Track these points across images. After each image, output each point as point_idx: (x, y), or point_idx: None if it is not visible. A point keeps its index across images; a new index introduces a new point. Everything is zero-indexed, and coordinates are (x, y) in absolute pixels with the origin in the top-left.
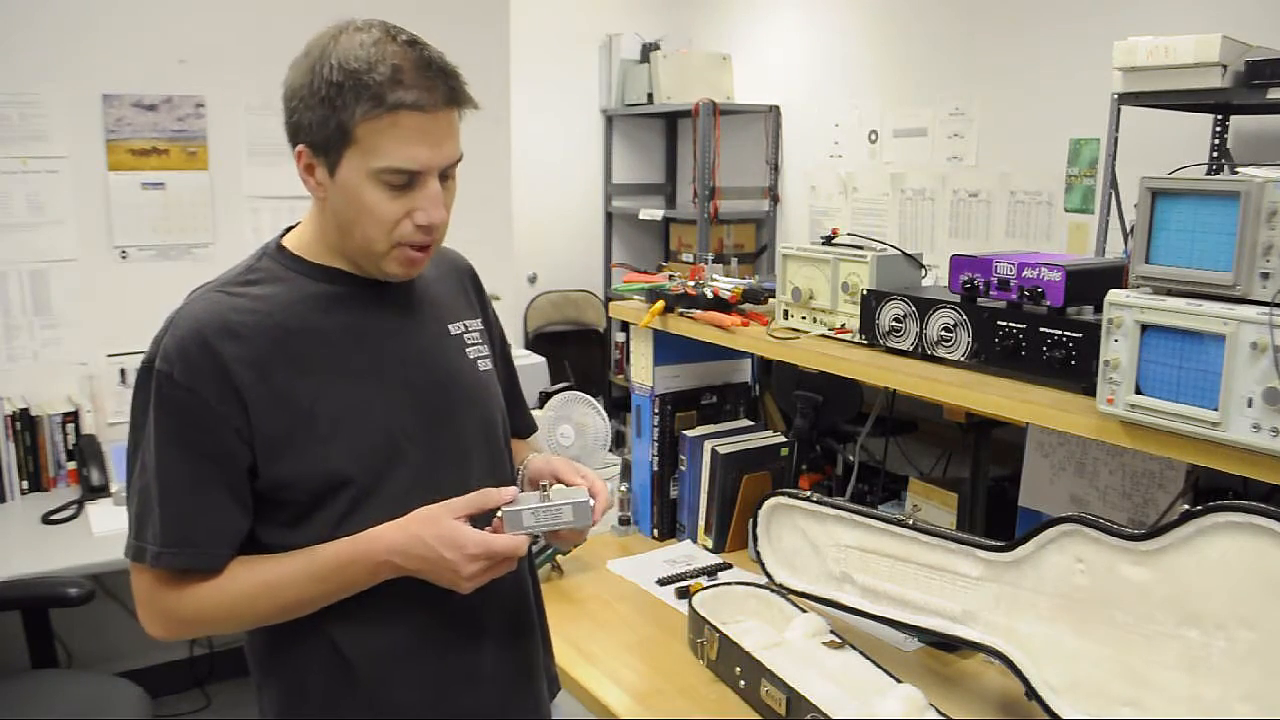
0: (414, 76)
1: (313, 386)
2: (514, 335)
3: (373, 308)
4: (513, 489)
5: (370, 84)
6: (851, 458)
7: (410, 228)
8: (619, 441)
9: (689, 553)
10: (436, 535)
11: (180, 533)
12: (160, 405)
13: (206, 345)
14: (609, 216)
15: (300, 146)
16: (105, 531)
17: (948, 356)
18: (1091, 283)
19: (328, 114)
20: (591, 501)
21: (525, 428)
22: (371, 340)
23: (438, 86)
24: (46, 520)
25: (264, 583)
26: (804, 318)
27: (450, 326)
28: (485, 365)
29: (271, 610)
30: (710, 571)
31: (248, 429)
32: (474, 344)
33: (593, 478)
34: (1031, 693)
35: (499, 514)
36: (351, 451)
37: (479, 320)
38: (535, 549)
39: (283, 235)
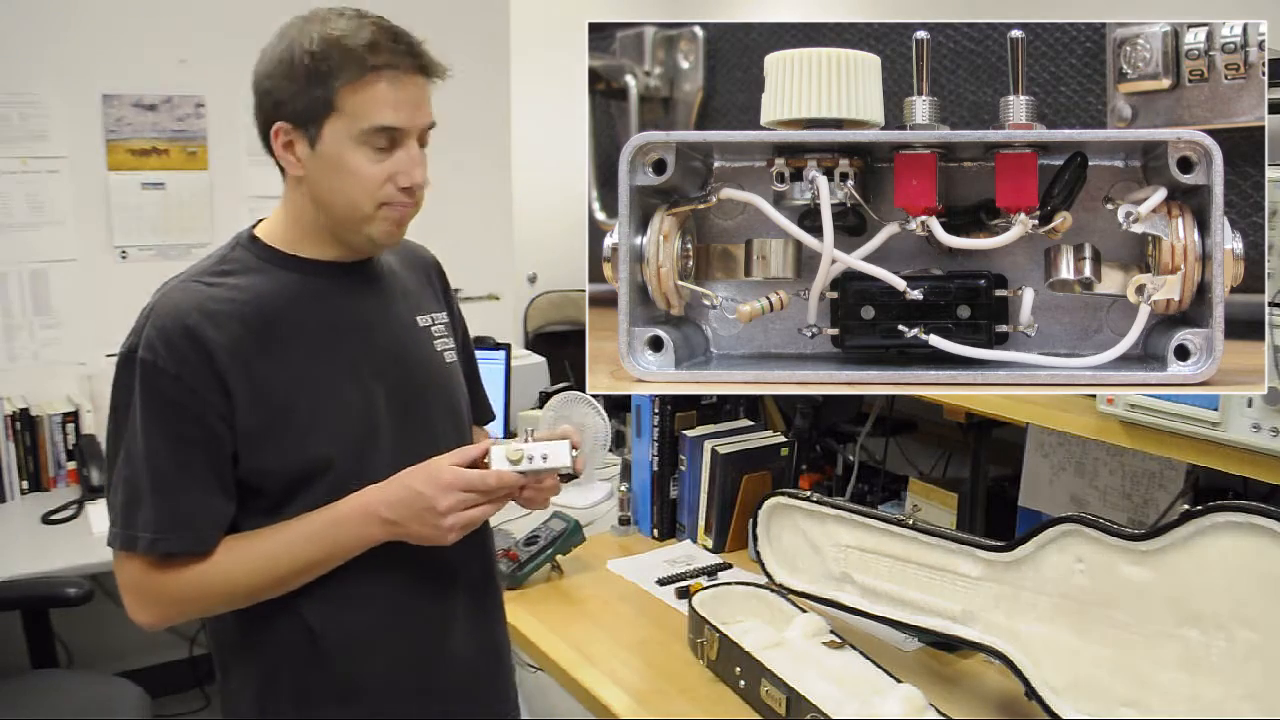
0: (389, 44)
1: (291, 376)
2: (514, 335)
3: (346, 298)
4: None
5: (351, 50)
6: (851, 458)
7: (393, 189)
8: (619, 441)
9: (689, 553)
10: (418, 474)
11: (173, 518)
12: (146, 393)
13: (190, 332)
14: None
15: (278, 124)
16: (105, 531)
17: None
18: None
19: (308, 85)
20: (570, 448)
21: (485, 414)
22: (346, 330)
23: (410, 54)
24: (46, 520)
25: (257, 555)
26: None
27: (418, 318)
28: (450, 357)
29: (266, 582)
30: (710, 571)
31: (231, 415)
32: (440, 335)
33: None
34: (1031, 693)
35: (486, 456)
36: (330, 439)
37: (444, 313)
38: (535, 550)
39: (254, 227)
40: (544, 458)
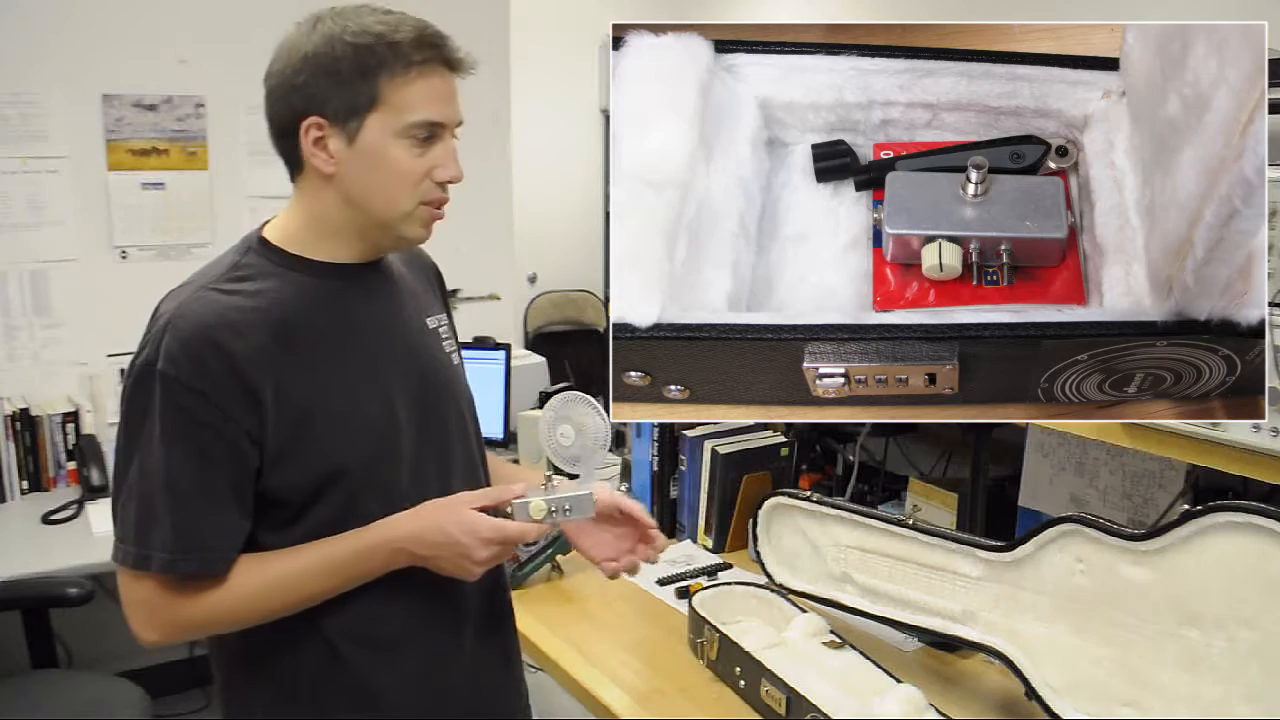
0: (431, 39)
1: (316, 383)
2: (514, 335)
3: (362, 301)
4: (524, 484)
5: (396, 45)
6: (851, 458)
7: (430, 185)
8: (619, 441)
9: (689, 553)
10: (455, 522)
11: (192, 539)
12: (166, 408)
13: (216, 346)
14: (609, 216)
15: (311, 119)
16: (105, 531)
17: None
18: None
19: (352, 79)
20: (594, 494)
21: None
22: (365, 332)
23: (447, 51)
24: (46, 520)
25: (275, 580)
26: None
27: (427, 320)
28: (457, 359)
29: (282, 606)
30: (710, 571)
31: (259, 430)
32: (446, 338)
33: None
34: (1031, 693)
35: (509, 507)
36: (350, 446)
37: (445, 315)
38: (535, 550)
39: (261, 229)
40: (567, 510)
